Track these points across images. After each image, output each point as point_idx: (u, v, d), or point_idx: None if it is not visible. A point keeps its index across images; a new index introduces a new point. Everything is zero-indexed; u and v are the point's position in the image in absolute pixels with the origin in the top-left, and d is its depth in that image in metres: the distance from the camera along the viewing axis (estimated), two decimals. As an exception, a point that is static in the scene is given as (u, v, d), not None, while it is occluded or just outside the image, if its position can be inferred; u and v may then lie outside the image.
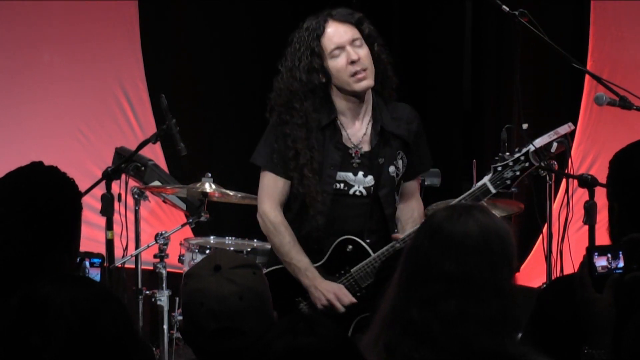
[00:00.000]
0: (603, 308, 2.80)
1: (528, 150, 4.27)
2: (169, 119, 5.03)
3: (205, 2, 7.72)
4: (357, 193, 4.38)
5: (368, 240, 4.35)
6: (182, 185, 6.24)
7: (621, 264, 2.84)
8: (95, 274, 3.27)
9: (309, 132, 4.37)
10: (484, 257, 2.58)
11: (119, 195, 5.50)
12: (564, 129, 5.72)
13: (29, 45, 7.21)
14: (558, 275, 5.57)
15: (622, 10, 7.12)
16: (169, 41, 7.68)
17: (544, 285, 5.74)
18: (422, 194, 6.21)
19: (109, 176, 5.13)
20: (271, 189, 4.42)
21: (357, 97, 4.42)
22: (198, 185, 5.94)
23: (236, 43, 7.77)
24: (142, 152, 5.48)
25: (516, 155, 4.26)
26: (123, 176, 5.48)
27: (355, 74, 4.35)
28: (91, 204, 5.83)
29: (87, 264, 3.30)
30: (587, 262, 2.83)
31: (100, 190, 5.19)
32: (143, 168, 6.27)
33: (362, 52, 4.39)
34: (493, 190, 4.28)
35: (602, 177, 5.03)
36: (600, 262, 2.83)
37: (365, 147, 4.42)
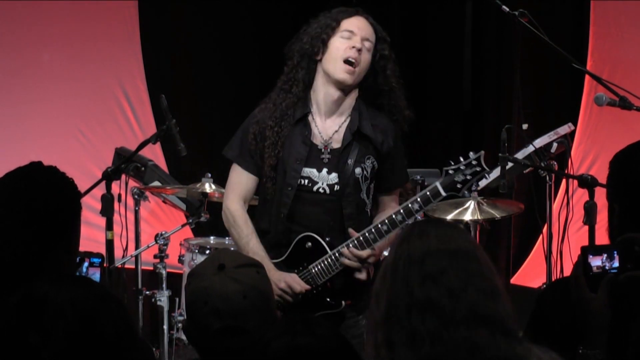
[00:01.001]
0: (598, 308, 2.79)
1: (480, 155, 4.26)
2: (169, 119, 5.02)
3: (205, 2, 7.73)
4: (321, 190, 4.39)
5: (328, 239, 4.37)
6: (182, 185, 6.24)
7: (616, 263, 2.83)
8: (93, 273, 3.27)
9: (280, 125, 4.40)
10: (475, 244, 2.62)
11: (119, 195, 5.50)
12: (564, 129, 5.72)
13: (29, 45, 7.21)
14: (558, 275, 5.58)
15: (622, 10, 7.12)
16: (169, 41, 7.69)
17: (544, 286, 5.75)
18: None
19: (109, 176, 5.12)
20: (236, 184, 4.48)
21: (335, 97, 4.42)
22: (198, 185, 5.94)
23: (236, 43, 7.78)
24: (142, 152, 5.47)
25: (468, 160, 4.27)
26: (123, 176, 5.48)
27: (347, 61, 4.36)
28: (91, 204, 5.83)
29: (87, 263, 3.30)
30: (582, 262, 2.83)
31: (100, 190, 5.18)
32: (143, 168, 6.28)
33: (364, 56, 4.41)
34: (443, 193, 4.27)
35: (602, 177, 5.03)
36: (595, 262, 2.83)
37: (335, 145, 4.42)
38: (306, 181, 4.39)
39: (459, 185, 4.25)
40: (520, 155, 5.48)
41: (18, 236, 3.02)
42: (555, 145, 5.64)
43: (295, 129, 4.41)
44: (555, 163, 5.65)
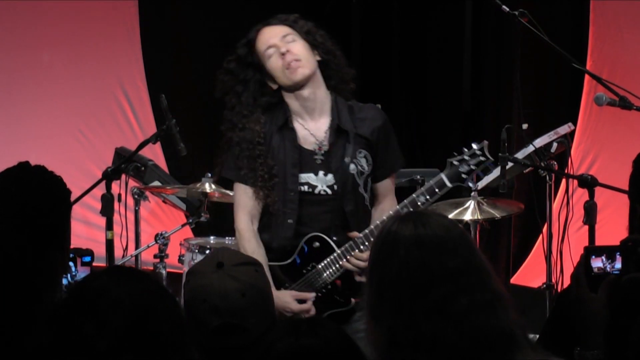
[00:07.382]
0: (597, 308, 2.79)
1: (483, 145, 4.29)
2: (169, 119, 5.03)
3: (205, 2, 7.73)
4: (322, 192, 4.37)
5: (335, 238, 4.35)
6: (182, 185, 6.24)
7: (618, 265, 2.83)
8: (84, 272, 3.27)
9: (265, 134, 4.36)
10: (468, 244, 2.57)
11: (119, 195, 5.50)
12: (564, 129, 5.73)
13: (29, 45, 7.22)
14: (558, 275, 5.58)
15: (622, 10, 7.12)
16: (169, 41, 7.69)
17: (544, 285, 5.75)
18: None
19: (109, 176, 5.13)
20: (243, 202, 4.42)
21: (307, 95, 4.38)
22: (198, 185, 5.94)
23: (236, 43, 7.77)
24: (142, 152, 5.48)
25: (472, 151, 4.28)
26: (123, 176, 5.48)
27: (288, 65, 4.34)
28: (91, 204, 5.85)
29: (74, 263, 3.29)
30: (584, 261, 2.83)
31: (100, 190, 5.19)
32: (143, 168, 6.28)
33: (295, 45, 4.39)
34: (449, 184, 4.28)
35: (602, 177, 5.06)
36: (597, 262, 2.83)
37: (326, 146, 4.40)
38: (306, 187, 4.37)
39: (463, 176, 4.26)
40: (520, 155, 5.48)
41: (12, 241, 3.02)
42: (555, 145, 5.64)
43: (283, 135, 4.38)
44: (555, 163, 5.66)
